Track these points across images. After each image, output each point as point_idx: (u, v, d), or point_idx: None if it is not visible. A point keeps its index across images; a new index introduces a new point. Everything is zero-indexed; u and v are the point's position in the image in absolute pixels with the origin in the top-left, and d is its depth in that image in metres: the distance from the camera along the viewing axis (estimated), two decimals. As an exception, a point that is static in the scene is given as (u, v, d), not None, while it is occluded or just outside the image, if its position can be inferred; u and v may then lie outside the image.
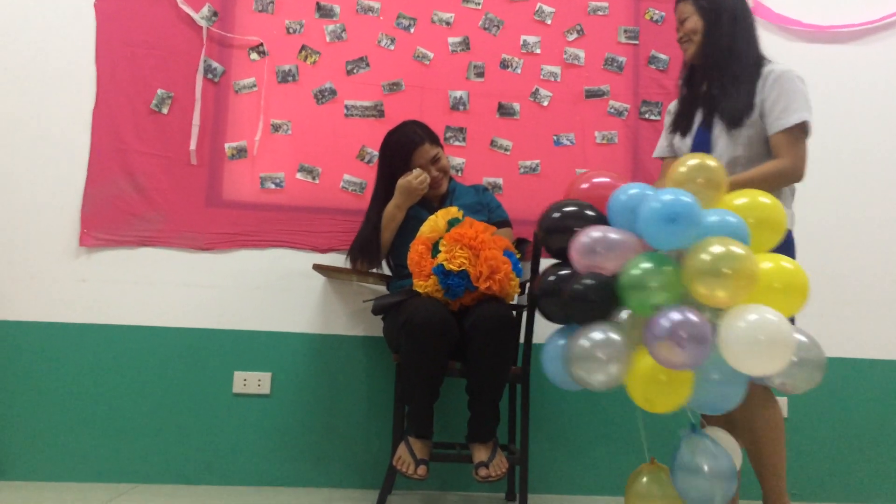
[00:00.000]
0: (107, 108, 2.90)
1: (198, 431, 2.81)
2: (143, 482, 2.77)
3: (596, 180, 2.10)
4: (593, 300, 1.84)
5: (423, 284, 2.34)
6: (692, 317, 1.69)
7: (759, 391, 2.10)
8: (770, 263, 1.81)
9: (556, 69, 3.13)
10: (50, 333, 2.80)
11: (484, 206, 2.75)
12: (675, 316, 1.69)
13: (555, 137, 3.11)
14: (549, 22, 3.15)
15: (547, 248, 2.04)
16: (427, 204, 2.71)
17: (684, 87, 2.49)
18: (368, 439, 2.86)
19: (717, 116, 2.32)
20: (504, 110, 3.10)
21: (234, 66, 2.99)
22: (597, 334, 1.83)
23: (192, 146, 2.91)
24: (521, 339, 2.60)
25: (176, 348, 2.84)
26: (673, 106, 2.56)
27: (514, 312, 2.66)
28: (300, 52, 3.02)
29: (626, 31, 3.18)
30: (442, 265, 2.30)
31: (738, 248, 1.71)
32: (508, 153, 3.08)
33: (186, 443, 2.80)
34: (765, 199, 1.89)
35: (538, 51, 3.13)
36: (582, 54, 3.15)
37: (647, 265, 1.77)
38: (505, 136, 3.08)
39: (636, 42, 3.18)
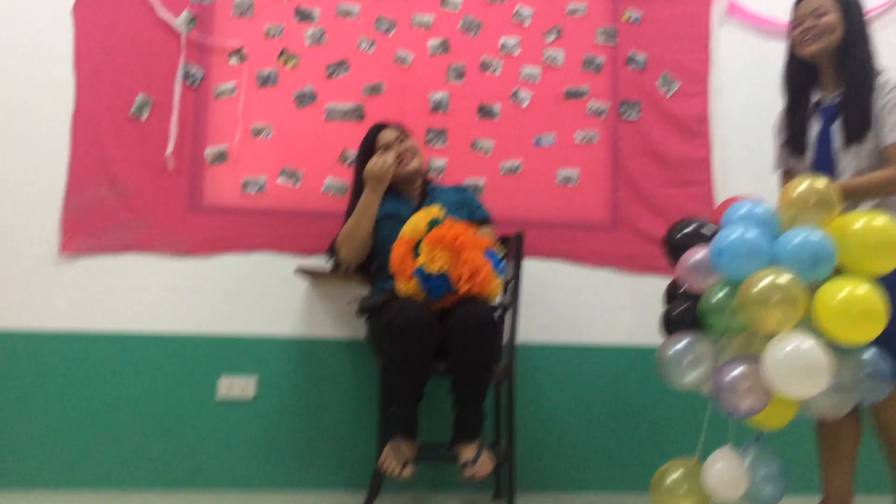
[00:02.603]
0: (86, 114, 2.89)
1: (184, 436, 2.80)
2: (130, 488, 2.75)
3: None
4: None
5: (405, 287, 2.34)
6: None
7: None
8: (846, 290, 1.83)
9: (536, 70, 3.15)
10: (32, 342, 2.78)
11: (465, 203, 2.75)
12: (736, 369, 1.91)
13: (535, 138, 3.13)
14: (527, 24, 3.17)
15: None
16: (408, 202, 2.72)
17: (792, 89, 2.37)
18: (355, 441, 2.86)
19: (834, 130, 2.25)
20: (484, 112, 3.11)
21: (214, 70, 2.99)
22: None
23: (169, 151, 2.90)
24: (505, 339, 2.62)
25: (160, 354, 2.83)
26: (780, 119, 2.45)
27: (497, 312, 2.68)
28: (280, 56, 3.02)
29: (604, 31, 3.20)
30: (422, 268, 2.30)
31: (782, 279, 1.83)
32: (489, 154, 3.10)
33: (173, 448, 2.79)
34: (880, 222, 1.91)
35: (517, 52, 3.15)
36: (561, 55, 3.17)
37: (724, 291, 1.96)
38: (486, 138, 3.10)
39: (614, 43, 3.21)
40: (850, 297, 1.82)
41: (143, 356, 2.82)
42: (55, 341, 2.79)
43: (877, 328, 1.83)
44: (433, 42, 3.11)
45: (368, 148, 2.72)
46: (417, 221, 2.40)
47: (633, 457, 2.99)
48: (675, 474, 2.11)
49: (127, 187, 2.88)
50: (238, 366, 2.85)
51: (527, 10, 3.17)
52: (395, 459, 2.31)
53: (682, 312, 2.12)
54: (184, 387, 2.82)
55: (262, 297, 2.91)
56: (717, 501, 2.07)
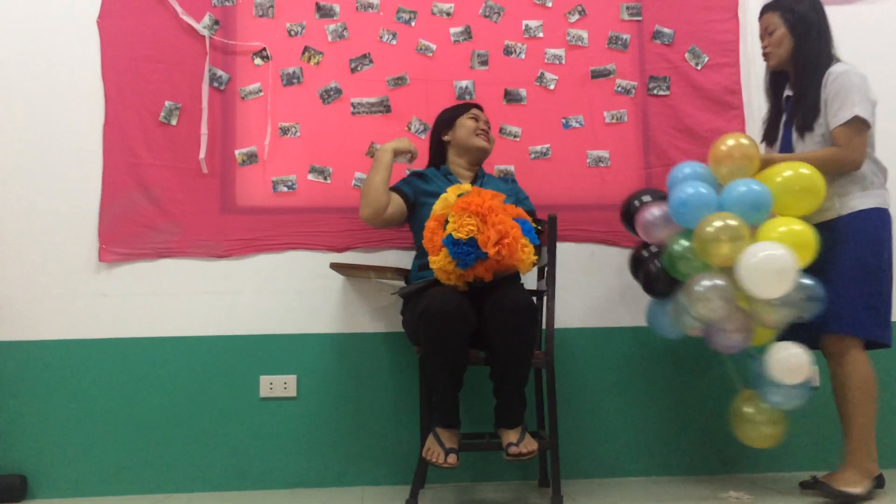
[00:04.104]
0: (116, 123, 2.92)
1: (228, 438, 2.82)
2: (177, 492, 2.78)
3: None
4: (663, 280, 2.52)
5: (436, 259, 2.30)
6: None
7: (855, 354, 2.40)
8: (784, 227, 2.27)
9: (560, 52, 3.11)
10: (74, 351, 2.82)
11: (513, 193, 2.73)
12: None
13: (563, 120, 3.09)
14: (549, 5, 3.12)
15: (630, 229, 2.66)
16: (455, 181, 2.70)
17: (768, 95, 2.73)
18: (397, 435, 2.86)
19: (794, 122, 2.54)
20: (511, 97, 3.08)
21: (239, 72, 3.00)
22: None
23: (202, 155, 2.92)
24: (543, 325, 2.59)
25: (200, 357, 2.85)
26: (764, 116, 2.77)
27: (535, 298, 2.65)
28: (303, 53, 3.02)
29: (628, 7, 3.15)
30: (451, 235, 2.25)
31: (732, 220, 2.26)
32: (518, 139, 3.06)
33: (217, 450, 2.82)
34: (805, 170, 2.31)
35: (541, 34, 3.11)
36: (585, 35, 3.12)
37: (686, 241, 2.39)
38: (513, 123, 3.07)
39: (639, 18, 3.15)
40: (789, 231, 2.26)
41: (184, 360, 2.85)
42: (96, 349, 2.82)
43: (809, 256, 2.26)
44: (455, 29, 3.08)
45: (451, 118, 2.79)
46: (447, 197, 2.37)
47: (676, 440, 2.95)
48: (748, 409, 2.48)
49: (160, 193, 2.91)
50: (278, 365, 2.87)
51: (548, -9, 3.13)
52: (437, 448, 2.29)
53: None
54: (225, 388, 2.84)
55: (299, 295, 2.92)
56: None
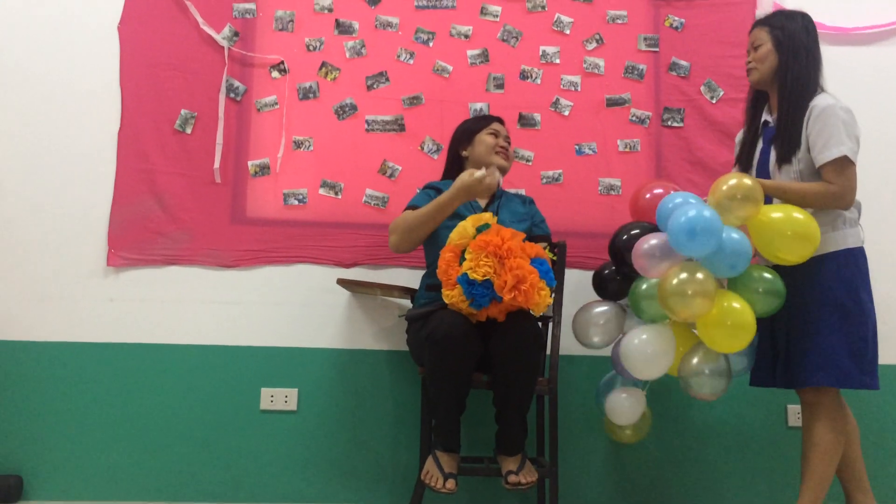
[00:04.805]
0: (132, 129, 2.94)
1: (226, 448, 2.81)
2: (172, 500, 2.77)
3: (655, 191, 2.58)
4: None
5: (450, 294, 2.28)
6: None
7: (830, 411, 2.31)
8: (725, 304, 2.19)
9: (576, 78, 3.12)
10: (78, 353, 2.82)
11: (530, 216, 2.70)
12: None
13: (577, 147, 3.09)
14: (567, 32, 3.14)
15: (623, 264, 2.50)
16: (475, 203, 2.65)
17: (748, 114, 2.60)
18: (396, 454, 2.85)
19: (772, 150, 2.42)
20: (525, 121, 3.09)
21: (256, 84, 3.02)
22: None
23: (216, 165, 2.93)
24: (548, 351, 2.57)
25: (203, 366, 2.85)
26: (739, 136, 2.65)
27: (541, 324, 2.64)
28: (320, 68, 3.04)
29: (645, 38, 3.16)
30: (466, 274, 2.23)
31: (700, 275, 2.15)
32: (530, 164, 3.07)
33: (214, 460, 2.81)
34: (798, 214, 2.18)
35: (557, 61, 3.13)
36: (602, 63, 3.14)
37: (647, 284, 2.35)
38: (526, 147, 3.07)
39: (656, 49, 3.16)
40: (729, 308, 2.17)
41: (186, 368, 2.84)
42: (100, 353, 2.82)
43: (747, 336, 2.18)
44: (472, 52, 3.10)
45: (470, 133, 2.70)
46: (466, 227, 2.33)
47: (676, 473, 2.93)
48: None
49: (171, 200, 2.92)
50: (280, 378, 2.86)
51: (567, 19, 3.14)
52: (436, 472, 2.28)
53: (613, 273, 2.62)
54: (226, 399, 2.84)
55: (304, 308, 2.91)
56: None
